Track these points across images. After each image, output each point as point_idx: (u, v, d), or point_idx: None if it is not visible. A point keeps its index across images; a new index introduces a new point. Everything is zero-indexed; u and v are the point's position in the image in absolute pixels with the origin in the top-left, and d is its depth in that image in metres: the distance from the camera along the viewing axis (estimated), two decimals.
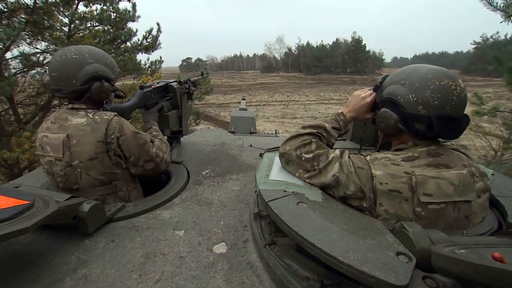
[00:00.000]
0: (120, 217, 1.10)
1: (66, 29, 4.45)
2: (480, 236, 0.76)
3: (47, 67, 1.18)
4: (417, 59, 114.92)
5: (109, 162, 1.18)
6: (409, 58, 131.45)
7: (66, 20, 4.41)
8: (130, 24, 4.89)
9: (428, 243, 0.61)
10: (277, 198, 0.82)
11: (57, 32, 4.21)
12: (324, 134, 1.00)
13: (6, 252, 0.93)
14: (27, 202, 0.82)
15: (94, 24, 4.62)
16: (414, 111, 0.82)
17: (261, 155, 1.21)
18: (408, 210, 0.76)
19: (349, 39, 62.30)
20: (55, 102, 4.81)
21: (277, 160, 1.06)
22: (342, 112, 1.08)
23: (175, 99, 1.74)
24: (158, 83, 1.70)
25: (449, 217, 0.76)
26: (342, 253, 0.60)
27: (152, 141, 1.31)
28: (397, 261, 0.58)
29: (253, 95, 26.46)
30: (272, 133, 4.20)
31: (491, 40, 48.78)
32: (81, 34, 4.46)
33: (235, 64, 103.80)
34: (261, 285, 0.81)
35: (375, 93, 1.01)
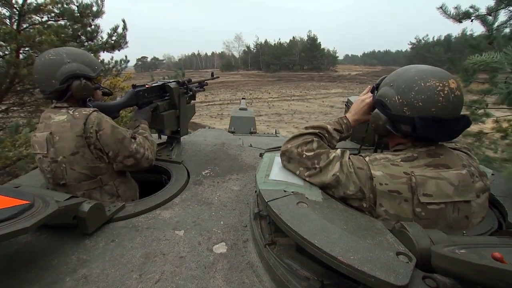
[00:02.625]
0: (120, 217, 1.10)
1: (13, 22, 3.73)
2: (480, 236, 0.76)
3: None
4: (366, 56, 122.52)
5: (91, 156, 1.21)
6: (359, 55, 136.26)
7: (4, 11, 3.70)
8: (95, 20, 4.34)
9: (428, 243, 0.61)
10: (277, 198, 0.82)
11: (5, 27, 3.54)
12: (326, 135, 1.01)
13: (6, 252, 0.93)
14: (27, 202, 0.82)
15: (54, 18, 4.06)
16: (399, 113, 0.83)
17: (261, 155, 1.21)
18: (408, 211, 0.76)
19: (305, 38, 64.30)
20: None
21: (277, 160, 1.06)
22: (345, 116, 1.10)
23: (172, 99, 1.73)
24: (156, 82, 1.70)
25: (449, 217, 0.76)
26: (342, 253, 0.60)
27: (134, 138, 1.32)
28: (397, 261, 0.58)
29: (215, 94, 25.96)
30: (272, 133, 4.20)
31: (423, 41, 57.07)
32: (36, 28, 3.85)
33: (194, 63, 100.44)
34: (261, 285, 0.81)
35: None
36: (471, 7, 3.03)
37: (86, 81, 1.24)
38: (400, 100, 0.82)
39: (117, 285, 0.80)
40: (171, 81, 1.77)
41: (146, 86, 1.57)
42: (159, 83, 1.69)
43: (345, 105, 1.75)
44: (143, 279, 0.82)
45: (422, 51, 53.41)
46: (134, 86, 1.51)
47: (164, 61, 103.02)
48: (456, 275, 0.52)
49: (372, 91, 1.03)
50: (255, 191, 1.09)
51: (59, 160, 1.17)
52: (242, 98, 5.36)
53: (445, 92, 0.77)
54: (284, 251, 0.83)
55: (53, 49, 1.22)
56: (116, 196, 1.32)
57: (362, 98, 1.09)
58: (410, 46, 61.78)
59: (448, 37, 56.30)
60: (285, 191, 0.86)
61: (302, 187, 0.89)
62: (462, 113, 0.82)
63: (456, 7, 3.07)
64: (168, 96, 1.72)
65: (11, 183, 1.37)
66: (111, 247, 0.95)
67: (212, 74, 2.37)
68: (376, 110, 0.92)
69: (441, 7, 3.15)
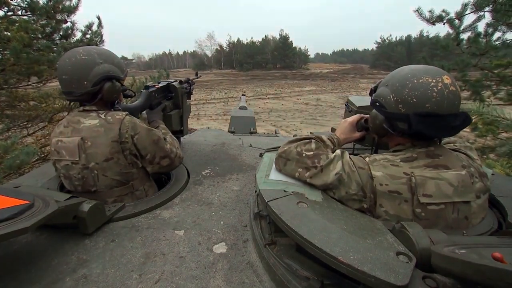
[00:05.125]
0: (120, 217, 1.10)
1: None
2: (480, 236, 0.76)
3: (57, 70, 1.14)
4: (335, 54, 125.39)
5: (125, 162, 1.17)
6: (329, 53, 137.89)
7: None
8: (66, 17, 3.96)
9: (428, 243, 0.61)
10: (277, 198, 0.82)
11: None
12: (321, 143, 1.01)
13: (6, 252, 0.93)
14: (27, 202, 0.82)
15: (21, 12, 3.67)
16: (395, 110, 0.84)
17: (261, 155, 1.21)
18: (408, 211, 0.76)
19: (277, 36, 64.06)
20: None
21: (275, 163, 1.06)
22: (335, 134, 1.15)
23: (176, 98, 1.75)
24: (159, 83, 1.71)
25: (448, 218, 0.76)
26: (342, 253, 0.60)
27: (164, 138, 1.31)
28: (397, 261, 0.58)
29: None
30: (272, 133, 4.20)
31: (387, 41, 60.04)
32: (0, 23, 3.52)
33: (165, 62, 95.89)
34: (261, 285, 0.81)
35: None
36: (443, 11, 3.37)
37: (118, 83, 1.21)
38: (395, 98, 0.84)
39: (117, 285, 0.80)
40: (171, 81, 1.79)
41: (156, 86, 1.58)
42: (164, 83, 1.71)
43: (345, 105, 1.76)
44: (143, 279, 0.82)
45: (387, 50, 55.74)
46: (147, 87, 1.51)
47: (133, 61, 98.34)
48: (456, 275, 0.52)
49: (370, 94, 1.06)
50: (255, 191, 1.09)
51: (90, 166, 1.12)
52: (242, 95, 5.31)
53: (439, 87, 0.78)
54: (284, 251, 0.83)
55: (81, 48, 1.17)
56: None
57: (346, 119, 1.18)
58: (376, 45, 63.44)
59: (408, 37, 58.74)
60: (285, 191, 0.86)
61: (302, 187, 0.89)
62: None
63: (430, 11, 3.41)
64: (171, 96, 1.74)
65: (11, 183, 1.37)
66: (111, 247, 0.95)
67: (197, 73, 2.37)
68: (374, 111, 0.95)
69: (417, 10, 3.45)
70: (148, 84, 1.61)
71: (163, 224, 1.09)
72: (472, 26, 3.23)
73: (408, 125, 0.82)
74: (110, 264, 0.88)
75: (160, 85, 1.64)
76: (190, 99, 2.04)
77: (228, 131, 3.42)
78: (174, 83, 1.74)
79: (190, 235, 1.02)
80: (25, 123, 4.41)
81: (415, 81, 0.80)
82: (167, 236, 1.01)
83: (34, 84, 4.39)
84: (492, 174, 1.09)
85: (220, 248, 0.96)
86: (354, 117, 1.16)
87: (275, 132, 4.32)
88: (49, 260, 0.89)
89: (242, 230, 1.06)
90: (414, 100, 0.79)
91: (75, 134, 1.13)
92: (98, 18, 4.42)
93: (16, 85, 4.16)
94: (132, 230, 1.05)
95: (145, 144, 1.20)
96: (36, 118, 4.36)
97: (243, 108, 4.33)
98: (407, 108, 0.81)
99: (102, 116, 1.16)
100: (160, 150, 1.25)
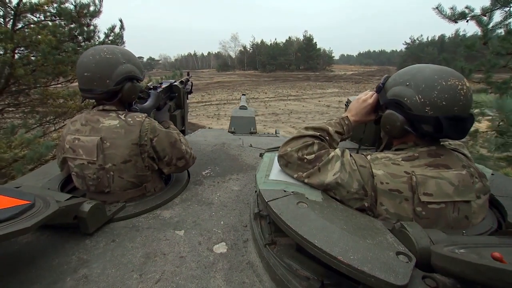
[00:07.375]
0: (120, 217, 1.10)
1: (7, 21, 3.72)
2: (480, 236, 0.77)
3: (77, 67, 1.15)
4: (361, 56, 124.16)
5: (142, 164, 1.17)
6: (355, 55, 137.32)
7: None
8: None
9: (428, 243, 0.61)
10: (277, 198, 0.82)
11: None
12: (327, 137, 0.99)
13: (7, 252, 0.93)
14: (28, 202, 0.83)
15: (50, 18, 3.99)
16: (421, 113, 0.81)
17: (261, 155, 1.21)
18: (408, 210, 0.76)
19: (301, 38, 64.30)
20: None
21: (277, 160, 1.06)
22: (346, 116, 1.06)
23: (179, 98, 1.77)
24: (161, 83, 1.72)
25: (449, 217, 0.76)
26: (342, 253, 0.61)
27: (179, 139, 1.32)
28: (397, 261, 0.58)
29: (212, 94, 26.08)
30: (272, 133, 4.19)
31: (417, 41, 58.86)
32: (32, 28, 3.79)
33: (190, 63, 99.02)
34: (261, 285, 0.81)
35: (376, 94, 1.02)
36: (466, 7, 3.13)
37: (138, 84, 1.21)
38: (422, 100, 0.80)
39: (117, 285, 0.80)
40: (173, 81, 1.81)
41: (161, 87, 1.59)
42: (166, 83, 1.73)
43: (345, 104, 1.76)
44: (143, 279, 0.82)
45: (416, 51, 54.15)
46: (154, 88, 1.52)
47: (160, 61, 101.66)
48: (455, 275, 0.52)
49: (378, 91, 1.00)
50: (255, 191, 1.09)
51: (107, 167, 1.11)
52: (243, 94, 5.30)
53: (464, 90, 0.78)
54: (284, 251, 0.83)
55: (105, 46, 1.16)
56: None
57: (363, 98, 1.05)
58: (405, 46, 61.97)
59: (442, 37, 57.10)
60: (285, 191, 0.86)
61: (302, 187, 0.89)
62: None
63: (452, 8, 3.18)
64: (174, 96, 1.75)
65: (11, 183, 1.37)
66: (112, 247, 0.95)
67: (188, 73, 2.37)
68: (390, 111, 0.88)
69: (437, 8, 3.25)
70: (148, 85, 1.61)
71: (163, 224, 1.09)
72: (504, 23, 2.93)
73: (434, 127, 0.79)
74: (111, 264, 0.88)
75: (163, 85, 1.66)
76: (188, 98, 2.06)
77: (228, 131, 3.42)
78: (176, 83, 1.76)
79: (190, 235, 1.02)
80: (53, 119, 4.72)
81: (444, 83, 0.78)
82: (167, 236, 1.01)
83: (63, 83, 4.70)
84: (492, 174, 1.09)
85: (220, 248, 0.96)
86: (375, 97, 1.02)
87: (275, 132, 4.32)
88: (49, 260, 0.89)
89: (242, 230, 1.06)
90: (444, 103, 0.77)
91: (94, 133, 1.11)
92: (121, 20, 4.61)
93: (47, 83, 4.46)
94: (132, 230, 1.05)
95: (164, 146, 1.20)
96: (63, 114, 4.66)
97: (243, 108, 4.31)
98: (435, 111, 0.78)
99: (122, 117, 1.15)
100: (177, 152, 1.26)
